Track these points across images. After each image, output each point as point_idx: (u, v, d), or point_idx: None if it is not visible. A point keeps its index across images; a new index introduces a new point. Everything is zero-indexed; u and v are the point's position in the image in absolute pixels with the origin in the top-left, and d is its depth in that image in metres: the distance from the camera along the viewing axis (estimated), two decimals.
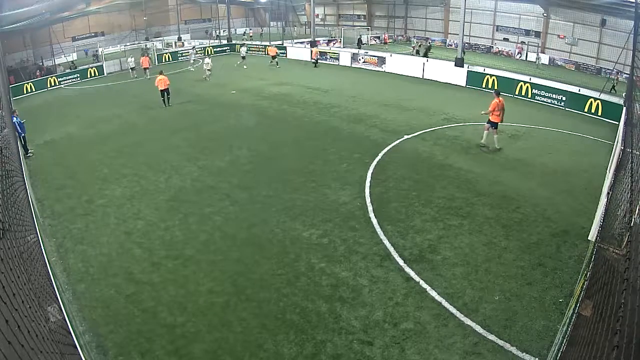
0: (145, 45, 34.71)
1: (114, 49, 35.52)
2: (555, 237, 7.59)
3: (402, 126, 14.16)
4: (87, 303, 6.22)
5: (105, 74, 27.80)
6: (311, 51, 29.60)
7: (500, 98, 11.46)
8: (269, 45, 31.94)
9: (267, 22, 59.07)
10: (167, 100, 17.60)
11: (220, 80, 23.52)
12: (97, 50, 35.78)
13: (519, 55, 37.08)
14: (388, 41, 43.43)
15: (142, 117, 16.47)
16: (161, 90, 17.35)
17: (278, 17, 57.22)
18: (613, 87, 19.46)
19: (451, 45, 41.77)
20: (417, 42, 36.71)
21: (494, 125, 11.59)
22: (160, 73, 17.57)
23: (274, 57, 28.03)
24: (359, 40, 35.02)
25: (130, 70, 26.31)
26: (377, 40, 43.54)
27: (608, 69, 26.99)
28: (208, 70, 23.93)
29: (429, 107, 16.56)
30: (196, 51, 34.00)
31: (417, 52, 25.48)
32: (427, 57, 22.41)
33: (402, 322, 5.69)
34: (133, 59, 26.37)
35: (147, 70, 25.59)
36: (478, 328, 5.52)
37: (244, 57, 29.30)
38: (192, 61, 30.55)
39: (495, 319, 5.68)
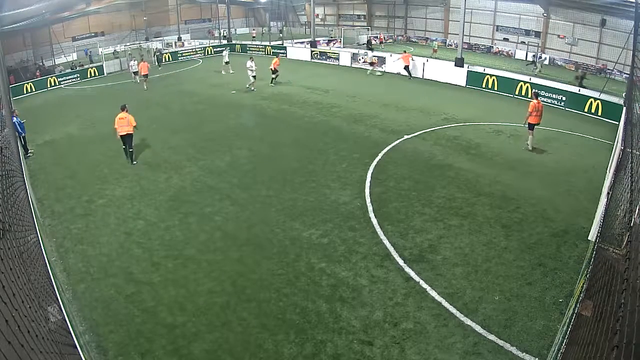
0: (140, 46, 33.76)
1: (117, 49, 35.26)
2: (555, 237, 7.59)
3: (402, 126, 14.16)
4: (87, 303, 6.22)
5: (105, 74, 27.80)
6: (401, 58, 22.87)
7: (539, 100, 11.72)
8: (373, 54, 25.70)
9: (267, 22, 59.08)
10: (130, 153, 11.68)
11: (220, 80, 23.51)
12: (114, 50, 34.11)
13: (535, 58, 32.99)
14: (386, 41, 43.39)
15: (142, 117, 16.41)
16: (122, 137, 11.47)
17: (278, 17, 57.21)
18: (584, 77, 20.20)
19: (451, 45, 41.78)
20: (579, 72, 24.27)
21: (531, 126, 11.68)
22: (123, 110, 11.49)
23: (372, 64, 24.31)
24: (369, 42, 34.13)
25: (133, 75, 24.09)
26: (376, 40, 43.51)
27: (608, 69, 26.98)
28: (253, 76, 20.01)
29: (429, 107, 16.56)
30: (229, 51, 28.74)
31: (577, 79, 19.04)
32: (584, 86, 17.78)
33: (402, 322, 5.69)
34: (136, 62, 24.09)
35: (147, 78, 22.33)
36: (478, 328, 5.52)
37: (372, 64, 24.81)
38: (225, 62, 26.30)
39: (495, 319, 5.68)
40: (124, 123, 11.32)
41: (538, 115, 11.56)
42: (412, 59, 22.82)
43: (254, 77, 20.08)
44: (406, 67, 22.60)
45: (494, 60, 32.15)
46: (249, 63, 20.16)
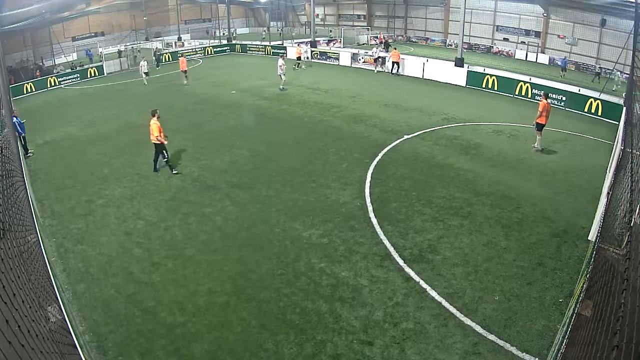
0: (132, 47, 33.64)
1: (122, 48, 35.23)
2: (555, 237, 7.59)
3: (402, 126, 14.16)
4: (87, 303, 6.22)
5: (105, 74, 27.79)
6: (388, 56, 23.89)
7: (548, 100, 11.68)
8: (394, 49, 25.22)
9: (267, 22, 59.07)
10: (153, 163, 10.91)
11: (220, 80, 23.50)
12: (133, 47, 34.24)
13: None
14: (383, 41, 43.36)
15: (142, 117, 16.43)
16: (155, 145, 10.52)
17: (278, 17, 57.21)
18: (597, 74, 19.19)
19: (451, 45, 41.79)
20: None
21: (540, 127, 11.59)
22: (153, 115, 10.45)
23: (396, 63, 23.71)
24: (387, 43, 34.20)
25: (143, 76, 23.32)
26: (376, 40, 43.53)
27: (608, 69, 26.96)
28: (284, 74, 20.06)
29: (429, 107, 16.56)
30: (308, 53, 28.24)
31: None
32: None
33: (402, 322, 5.69)
34: (146, 62, 23.85)
35: (186, 74, 22.74)
36: (478, 328, 5.52)
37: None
38: (304, 60, 26.76)
39: (495, 319, 5.68)
40: (149, 131, 10.42)
41: (547, 115, 11.49)
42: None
43: (285, 74, 20.27)
44: (396, 63, 23.54)
45: (493, 60, 32.13)
46: (281, 61, 20.31)
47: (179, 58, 23.85)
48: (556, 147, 12.08)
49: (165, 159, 10.70)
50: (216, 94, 20.25)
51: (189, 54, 34.46)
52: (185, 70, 22.99)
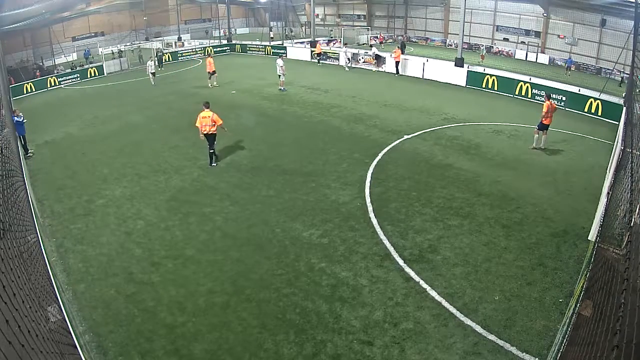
0: (139, 47, 33.61)
1: (122, 48, 35.22)
2: (555, 237, 7.59)
3: (402, 126, 14.16)
4: (87, 303, 6.22)
5: (105, 74, 27.78)
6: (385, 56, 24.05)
7: (551, 101, 11.72)
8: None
9: (267, 22, 59.01)
10: (210, 155, 11.17)
11: (221, 80, 23.49)
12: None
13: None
14: (386, 41, 43.36)
15: (142, 117, 16.48)
16: (205, 137, 10.87)
17: (278, 17, 57.17)
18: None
19: (451, 45, 41.79)
20: None
21: (545, 127, 11.63)
22: (207, 107, 10.77)
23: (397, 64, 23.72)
24: (403, 44, 34.32)
25: (150, 76, 23.10)
26: (376, 40, 43.56)
27: (608, 69, 26.94)
28: (283, 74, 19.94)
29: (429, 107, 16.56)
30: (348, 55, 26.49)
31: None
32: None
33: (402, 322, 5.69)
34: (153, 62, 23.86)
35: (214, 76, 21.69)
36: (478, 328, 5.52)
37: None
38: (346, 63, 26.41)
39: (495, 319, 5.68)
40: (208, 122, 10.65)
41: (551, 115, 11.51)
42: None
43: (284, 75, 20.14)
44: (397, 64, 23.49)
45: (494, 61, 32.12)
46: (280, 61, 20.06)
47: (207, 58, 22.57)
48: (556, 147, 12.08)
49: (212, 150, 11.16)
50: (216, 94, 20.23)
51: (188, 53, 34.45)
52: (214, 72, 21.59)
